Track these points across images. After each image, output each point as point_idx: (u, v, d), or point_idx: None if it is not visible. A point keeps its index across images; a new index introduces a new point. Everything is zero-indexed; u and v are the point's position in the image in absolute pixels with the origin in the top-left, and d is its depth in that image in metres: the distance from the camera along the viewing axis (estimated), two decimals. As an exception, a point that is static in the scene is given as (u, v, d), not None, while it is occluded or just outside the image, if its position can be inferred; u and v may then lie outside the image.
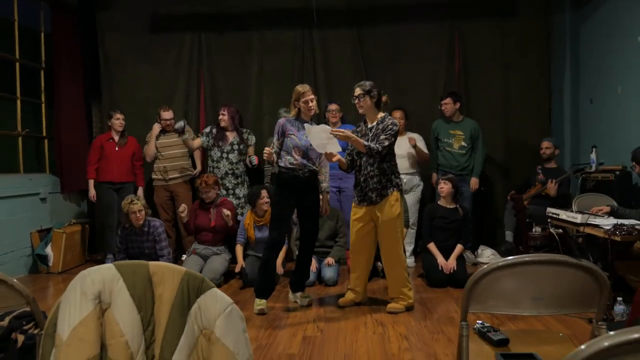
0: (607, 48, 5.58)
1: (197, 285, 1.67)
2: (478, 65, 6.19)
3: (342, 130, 3.80)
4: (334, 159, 3.81)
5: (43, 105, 6.22)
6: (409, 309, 3.98)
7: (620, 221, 3.49)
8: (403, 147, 5.41)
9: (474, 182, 5.62)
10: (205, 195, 5.03)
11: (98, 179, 5.74)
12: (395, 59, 6.23)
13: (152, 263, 1.67)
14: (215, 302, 1.65)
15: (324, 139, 3.70)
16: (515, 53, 6.16)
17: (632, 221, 3.52)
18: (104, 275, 1.64)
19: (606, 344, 0.97)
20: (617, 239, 3.30)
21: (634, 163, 3.97)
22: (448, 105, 5.62)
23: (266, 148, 3.99)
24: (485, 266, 1.69)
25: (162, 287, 1.66)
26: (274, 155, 3.96)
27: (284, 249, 4.85)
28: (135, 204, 4.60)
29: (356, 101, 3.98)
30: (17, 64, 5.77)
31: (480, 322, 2.14)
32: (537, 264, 1.70)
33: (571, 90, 6.43)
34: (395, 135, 3.89)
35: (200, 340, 1.64)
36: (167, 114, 5.76)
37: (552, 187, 5.24)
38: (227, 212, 4.92)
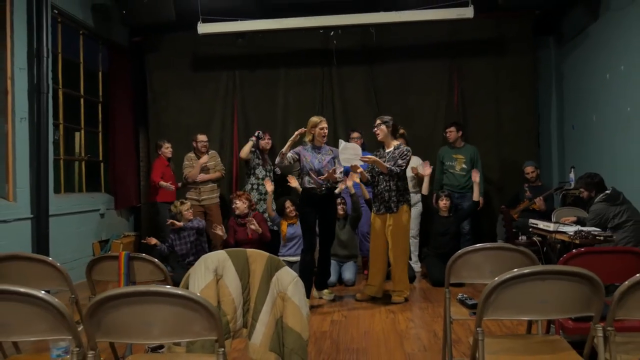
0: (584, 81, 6.53)
1: (276, 264, 2.63)
2: (474, 96, 7.16)
3: (370, 156, 4.84)
4: (358, 170, 4.84)
5: (100, 134, 7.25)
6: (406, 299, 4.98)
7: (581, 228, 4.41)
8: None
9: (480, 201, 6.48)
10: (235, 206, 5.84)
11: (160, 199, 6.53)
12: (403, 92, 7.21)
13: (248, 250, 2.64)
14: (288, 274, 2.61)
15: (351, 154, 4.74)
16: (507, 86, 7.11)
17: (592, 228, 4.43)
18: (218, 257, 2.61)
19: (508, 276, 1.92)
20: (577, 242, 4.22)
21: (581, 189, 4.90)
22: (452, 133, 6.56)
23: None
24: (460, 250, 2.63)
25: (255, 265, 2.62)
26: (286, 156, 4.83)
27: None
28: (185, 204, 5.78)
29: (375, 129, 5.01)
30: (82, 100, 6.81)
31: (461, 294, 3.07)
32: (494, 250, 2.64)
33: (557, 117, 7.38)
34: (409, 160, 4.93)
35: (277, 299, 2.59)
36: (203, 137, 6.68)
37: (541, 203, 6.13)
38: (252, 226, 5.70)
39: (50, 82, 5.60)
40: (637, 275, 1.93)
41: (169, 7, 6.49)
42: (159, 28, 7.27)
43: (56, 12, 6.03)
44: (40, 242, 5.41)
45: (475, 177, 5.90)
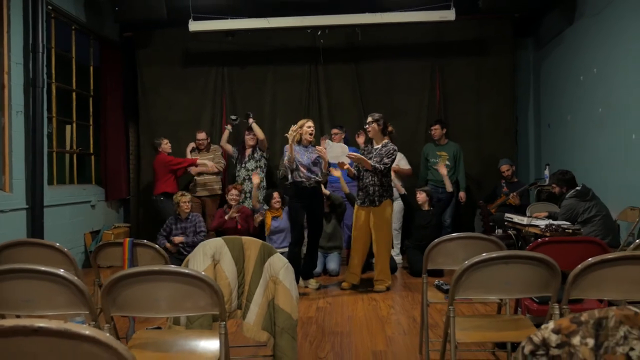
0: (560, 82, 6.83)
1: (269, 250, 2.86)
2: (456, 96, 7.44)
3: (355, 153, 5.10)
4: (345, 167, 5.15)
5: (91, 127, 7.40)
6: (388, 288, 5.22)
7: (551, 222, 4.69)
8: None
9: (462, 195, 6.77)
10: (231, 197, 6.13)
11: (168, 190, 6.57)
12: (387, 90, 7.47)
13: (243, 237, 2.87)
14: (279, 260, 2.85)
15: (339, 153, 5.07)
16: (486, 85, 7.40)
17: (562, 222, 4.72)
18: (216, 244, 2.83)
19: (477, 259, 2.17)
20: (548, 234, 4.50)
21: (553, 185, 5.19)
22: (436, 131, 6.83)
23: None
24: (437, 239, 2.88)
25: (250, 251, 2.85)
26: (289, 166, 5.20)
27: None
28: (185, 196, 5.93)
29: (367, 126, 5.25)
30: (74, 94, 6.95)
31: (438, 280, 3.33)
32: (467, 239, 2.90)
33: (534, 116, 7.70)
34: (395, 158, 5.18)
35: (269, 283, 2.82)
36: (201, 135, 6.94)
37: (516, 198, 6.44)
38: (233, 213, 6.05)
39: (45, 76, 5.75)
40: (589, 259, 2.19)
41: (160, 4, 6.64)
42: (150, 24, 7.42)
43: (50, 7, 6.17)
44: (36, 232, 5.56)
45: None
